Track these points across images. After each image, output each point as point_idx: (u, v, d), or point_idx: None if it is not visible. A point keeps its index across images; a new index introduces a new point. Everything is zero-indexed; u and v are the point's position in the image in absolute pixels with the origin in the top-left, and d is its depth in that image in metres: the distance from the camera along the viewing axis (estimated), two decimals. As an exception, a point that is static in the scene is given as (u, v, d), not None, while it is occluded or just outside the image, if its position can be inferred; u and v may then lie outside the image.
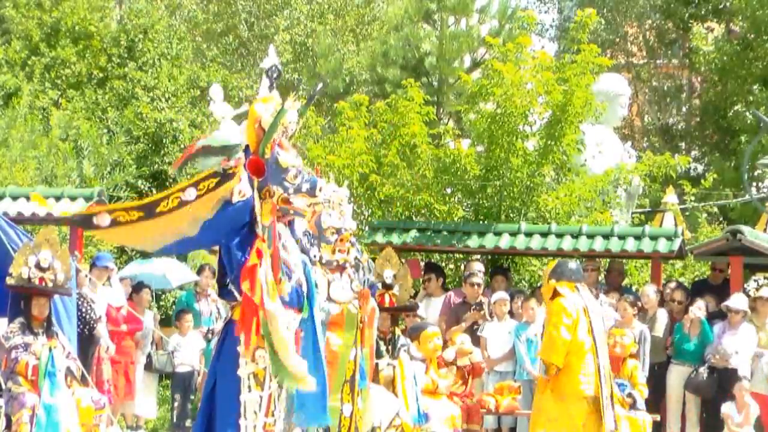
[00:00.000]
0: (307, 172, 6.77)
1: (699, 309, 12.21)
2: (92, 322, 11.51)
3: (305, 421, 6.81)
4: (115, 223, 6.39)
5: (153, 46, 22.82)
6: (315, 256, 7.87)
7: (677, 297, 12.74)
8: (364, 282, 8.45)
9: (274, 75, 6.79)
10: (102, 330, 11.76)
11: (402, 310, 10.53)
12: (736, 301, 12.11)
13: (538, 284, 14.07)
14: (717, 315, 12.40)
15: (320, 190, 6.71)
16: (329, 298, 8.12)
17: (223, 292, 6.74)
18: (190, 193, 6.33)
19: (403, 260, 13.88)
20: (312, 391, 6.64)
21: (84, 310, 11.32)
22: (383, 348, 9.49)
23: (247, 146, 6.64)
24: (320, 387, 6.74)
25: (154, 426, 13.78)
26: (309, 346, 6.80)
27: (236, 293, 6.55)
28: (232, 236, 6.48)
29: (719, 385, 11.86)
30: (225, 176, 6.36)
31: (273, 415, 6.54)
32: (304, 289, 6.78)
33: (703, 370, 11.96)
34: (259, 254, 6.40)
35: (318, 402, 6.78)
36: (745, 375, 11.82)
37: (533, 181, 14.54)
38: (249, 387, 6.48)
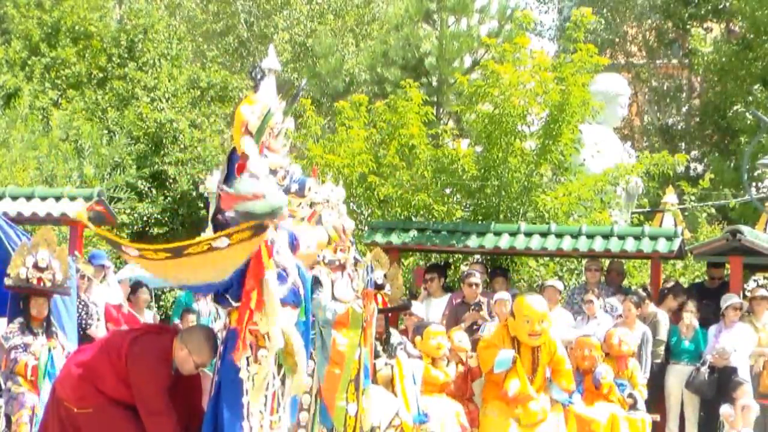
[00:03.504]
0: (296, 171, 6.78)
1: (691, 312, 12.24)
2: (84, 322, 11.47)
3: None
4: (141, 256, 6.52)
5: (153, 47, 22.83)
6: (318, 256, 7.88)
7: (678, 298, 12.78)
8: (367, 282, 8.46)
9: (258, 76, 6.82)
10: (98, 332, 11.71)
11: (395, 310, 10.52)
12: (729, 299, 12.13)
13: (537, 284, 14.08)
14: (712, 320, 12.39)
15: (309, 189, 6.74)
16: (334, 298, 8.12)
17: (218, 297, 6.75)
18: (222, 242, 6.34)
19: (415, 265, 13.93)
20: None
21: (79, 308, 11.29)
22: (379, 348, 9.49)
23: (234, 149, 6.66)
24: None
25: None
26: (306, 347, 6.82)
27: (230, 300, 6.58)
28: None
29: (719, 384, 11.86)
30: (259, 229, 6.36)
31: (277, 412, 6.55)
32: (302, 291, 6.80)
33: (704, 370, 11.96)
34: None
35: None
36: (744, 375, 11.82)
37: (531, 181, 14.54)
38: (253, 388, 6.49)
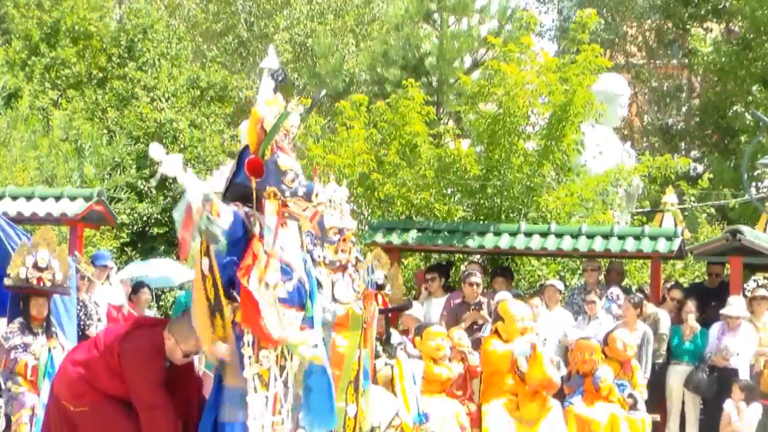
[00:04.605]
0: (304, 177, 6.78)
1: (691, 313, 12.23)
2: (83, 323, 11.47)
3: (312, 423, 6.80)
4: None
5: (153, 46, 22.83)
6: (319, 257, 7.87)
7: (675, 296, 12.78)
8: (368, 283, 8.45)
9: (279, 78, 6.80)
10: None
11: (396, 310, 10.51)
12: (734, 308, 12.06)
13: (539, 284, 14.09)
14: (712, 319, 12.38)
15: (316, 196, 6.72)
16: (334, 299, 8.12)
17: (225, 293, 6.74)
18: (206, 264, 6.41)
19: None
20: (318, 392, 6.66)
21: (78, 309, 11.29)
22: (379, 348, 9.48)
23: (246, 146, 6.65)
24: (326, 388, 6.74)
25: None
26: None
27: (236, 295, 6.57)
28: (231, 251, 6.52)
29: (719, 384, 11.85)
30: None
31: (280, 414, 6.55)
32: (306, 287, 6.79)
33: (704, 369, 11.96)
34: (254, 257, 6.43)
35: (324, 402, 6.76)
36: (744, 375, 11.81)
37: (533, 181, 14.54)
38: (255, 388, 6.49)
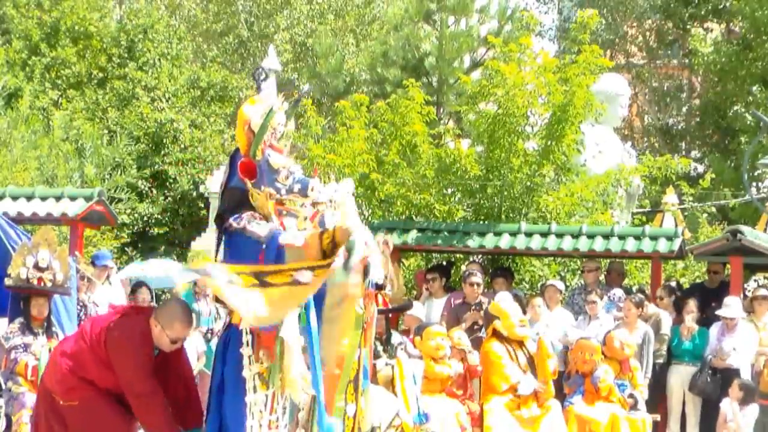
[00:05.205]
0: (297, 171, 6.79)
1: (691, 313, 12.22)
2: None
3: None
4: (230, 282, 6.27)
5: (153, 46, 22.86)
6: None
7: (658, 294, 12.79)
8: (368, 283, 8.44)
9: (261, 77, 6.84)
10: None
11: (396, 311, 10.51)
12: (730, 309, 12.04)
13: (540, 284, 14.09)
14: (713, 319, 12.37)
15: (312, 189, 6.74)
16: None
17: None
18: (306, 276, 6.29)
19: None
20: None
21: (78, 309, 11.29)
22: (379, 348, 9.48)
23: (237, 149, 6.68)
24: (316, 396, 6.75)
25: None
26: (309, 353, 6.81)
27: None
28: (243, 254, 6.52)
29: (722, 386, 11.84)
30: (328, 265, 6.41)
31: (276, 412, 6.56)
32: None
33: (707, 372, 11.95)
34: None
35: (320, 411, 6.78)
36: (746, 375, 11.80)
37: (533, 181, 14.53)
38: (254, 387, 6.50)
